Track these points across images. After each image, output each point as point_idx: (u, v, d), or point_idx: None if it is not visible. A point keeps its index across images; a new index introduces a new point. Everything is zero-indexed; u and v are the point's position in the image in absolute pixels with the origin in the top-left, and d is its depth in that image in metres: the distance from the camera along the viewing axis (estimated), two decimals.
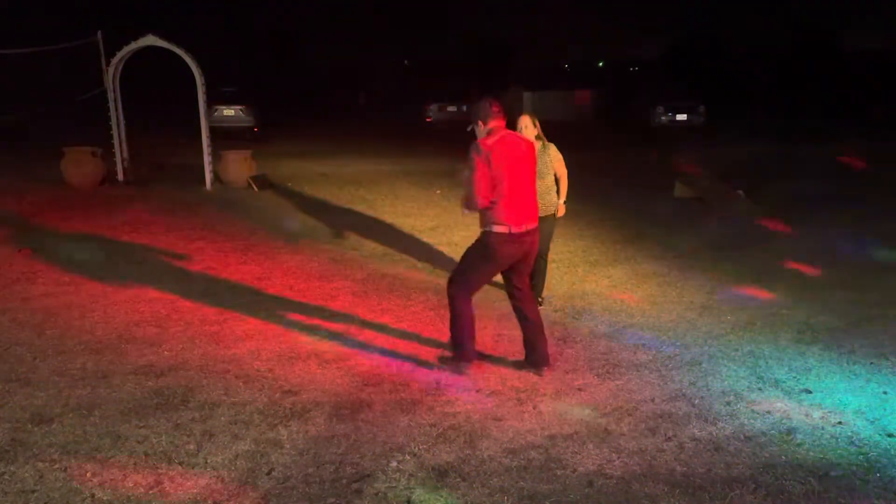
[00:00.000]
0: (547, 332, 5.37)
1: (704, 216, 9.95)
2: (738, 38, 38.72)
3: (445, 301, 6.14)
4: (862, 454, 3.59)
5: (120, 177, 12.25)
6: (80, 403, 4.13)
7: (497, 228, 4.35)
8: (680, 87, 25.85)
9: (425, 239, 8.55)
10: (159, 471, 3.43)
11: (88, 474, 3.40)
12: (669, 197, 11.11)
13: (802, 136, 18.98)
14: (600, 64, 45.93)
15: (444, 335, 5.32)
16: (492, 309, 6.02)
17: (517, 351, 5.01)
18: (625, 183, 12.63)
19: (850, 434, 3.79)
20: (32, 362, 4.74)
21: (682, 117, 23.75)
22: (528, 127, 5.66)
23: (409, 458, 3.57)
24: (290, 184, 12.42)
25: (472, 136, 4.52)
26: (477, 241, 4.54)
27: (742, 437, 3.78)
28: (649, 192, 11.61)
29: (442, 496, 3.24)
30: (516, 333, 5.38)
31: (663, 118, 23.83)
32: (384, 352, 4.98)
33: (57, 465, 3.47)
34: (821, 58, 33.74)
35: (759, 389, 4.38)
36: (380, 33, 37.38)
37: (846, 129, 19.99)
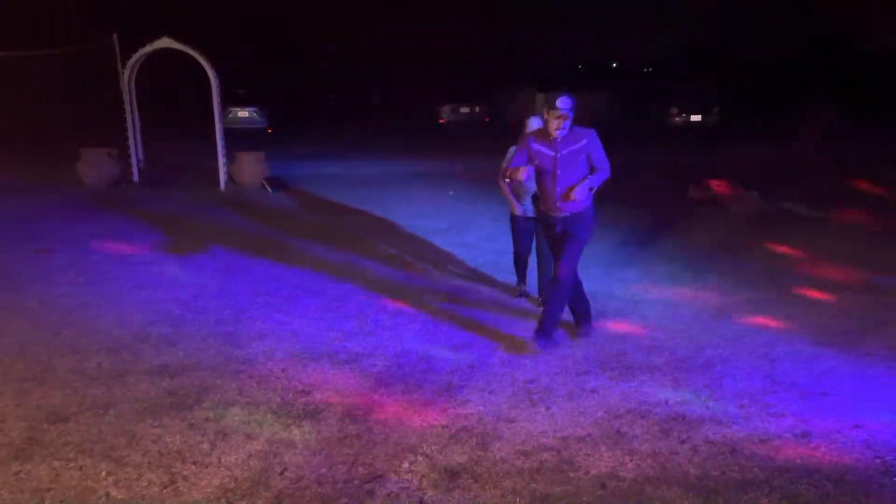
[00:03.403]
0: (559, 334, 5.39)
1: (718, 217, 9.89)
2: (753, 38, 38.45)
3: (458, 301, 6.17)
4: (879, 458, 3.55)
5: (135, 177, 12.34)
6: (96, 402, 4.17)
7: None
8: (694, 88, 25.73)
9: (438, 240, 8.56)
10: (173, 470, 3.45)
11: (103, 473, 3.42)
12: (683, 198, 11.06)
13: (817, 137, 18.82)
14: (614, 65, 45.74)
15: (457, 335, 5.33)
16: (506, 309, 6.01)
17: (539, 352, 5.00)
18: (638, 183, 12.58)
19: (866, 437, 3.75)
20: (49, 362, 4.79)
21: (696, 118, 23.64)
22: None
23: (421, 459, 3.57)
24: (303, 185, 12.46)
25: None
26: (588, 217, 5.04)
27: (757, 439, 3.75)
28: (663, 192, 11.56)
29: (454, 497, 3.24)
30: (529, 335, 5.38)
31: (677, 119, 23.73)
32: (397, 352, 4.99)
33: (72, 464, 3.50)
34: (837, 58, 33.46)
35: (774, 392, 4.34)
36: (393, 33, 37.45)
37: (863, 130, 19.81)
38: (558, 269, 5.02)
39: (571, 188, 4.83)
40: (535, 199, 5.27)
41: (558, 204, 4.93)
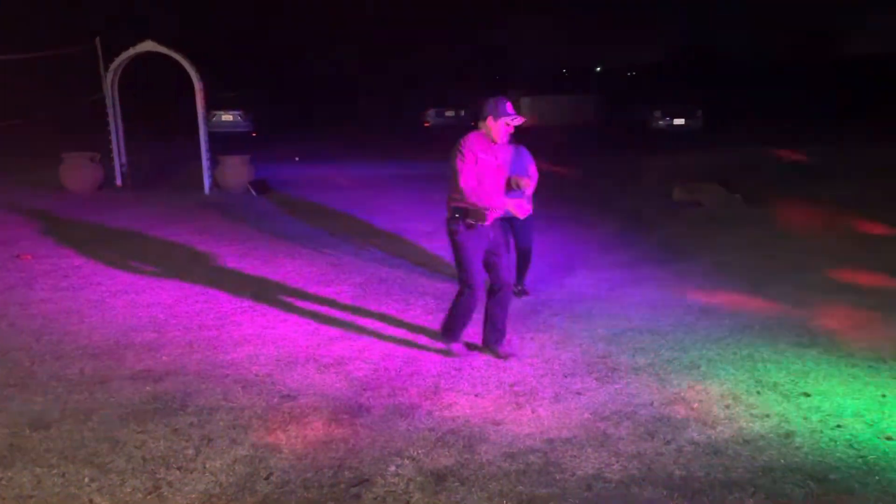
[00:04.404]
0: (546, 336, 5.42)
1: (702, 219, 9.97)
2: (736, 42, 38.86)
3: (444, 305, 6.16)
4: (861, 457, 3.59)
5: (118, 182, 12.25)
6: (79, 408, 4.13)
7: None
8: (677, 92, 25.92)
9: (424, 243, 8.55)
10: (157, 476, 3.42)
11: (86, 479, 3.39)
12: (668, 200, 11.13)
13: (800, 140, 19.00)
14: (598, 69, 46.01)
15: None
16: None
17: (515, 354, 5.01)
18: (623, 186, 12.65)
19: (848, 437, 3.79)
20: (30, 367, 4.73)
21: (679, 121, 23.81)
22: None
23: (407, 462, 3.56)
24: (288, 188, 12.42)
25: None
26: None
27: (741, 440, 3.78)
28: (648, 195, 11.63)
29: (441, 500, 3.24)
30: (514, 337, 5.40)
31: (661, 122, 23.88)
32: (383, 356, 4.98)
33: (55, 471, 3.46)
34: (819, 62, 33.86)
35: (758, 393, 4.38)
36: (379, 37, 37.46)
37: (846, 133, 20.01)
38: (503, 277, 4.92)
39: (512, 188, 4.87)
40: (458, 210, 4.74)
41: (492, 212, 4.75)
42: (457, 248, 4.80)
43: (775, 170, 14.21)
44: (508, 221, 6.12)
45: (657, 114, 24.02)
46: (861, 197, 10.97)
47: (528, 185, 5.22)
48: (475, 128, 4.78)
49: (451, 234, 4.79)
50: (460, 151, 4.65)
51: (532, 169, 6.12)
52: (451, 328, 5.00)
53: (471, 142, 4.69)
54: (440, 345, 5.11)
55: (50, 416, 4.02)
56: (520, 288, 6.52)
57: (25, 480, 3.38)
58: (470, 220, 4.69)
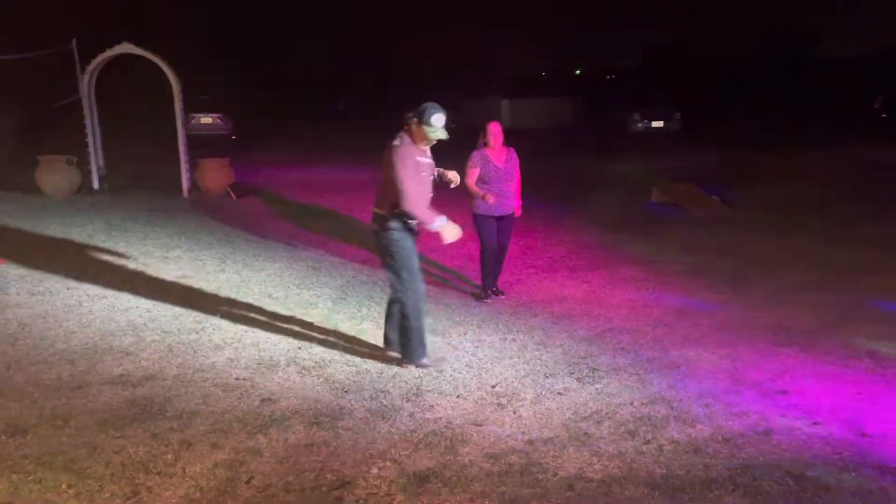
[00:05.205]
0: (527, 337, 5.45)
1: (681, 221, 10.05)
2: (714, 45, 39.27)
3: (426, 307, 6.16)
4: (837, 454, 3.63)
5: (95, 185, 12.11)
6: (56, 414, 4.07)
7: None
8: (656, 95, 26.11)
9: None
10: (137, 481, 3.38)
11: (64, 486, 3.34)
12: (647, 202, 11.22)
13: (776, 143, 19.23)
14: (577, 72, 46.27)
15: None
16: (470, 314, 6.03)
17: (497, 356, 5.02)
18: (603, 188, 12.71)
19: (825, 434, 3.84)
20: (6, 373, 4.66)
21: (658, 124, 23.99)
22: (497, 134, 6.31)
23: (389, 464, 3.56)
24: (268, 191, 12.36)
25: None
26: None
27: (720, 438, 3.82)
28: (627, 197, 11.71)
29: (423, 502, 3.23)
30: (496, 338, 5.41)
31: (640, 125, 24.05)
32: (364, 358, 4.97)
33: (32, 477, 3.41)
34: (795, 66, 34.33)
35: (736, 391, 4.43)
36: (359, 40, 37.44)
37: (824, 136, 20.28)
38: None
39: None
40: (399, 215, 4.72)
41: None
42: (394, 245, 4.69)
43: (752, 171, 14.36)
44: (497, 220, 6.27)
45: (636, 116, 24.18)
46: (835, 198, 11.13)
47: (455, 179, 5.13)
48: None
49: (389, 232, 4.70)
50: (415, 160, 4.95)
51: (516, 172, 6.32)
52: (421, 342, 4.79)
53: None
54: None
55: (27, 422, 3.96)
56: (495, 288, 6.58)
57: (2, 487, 3.32)
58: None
